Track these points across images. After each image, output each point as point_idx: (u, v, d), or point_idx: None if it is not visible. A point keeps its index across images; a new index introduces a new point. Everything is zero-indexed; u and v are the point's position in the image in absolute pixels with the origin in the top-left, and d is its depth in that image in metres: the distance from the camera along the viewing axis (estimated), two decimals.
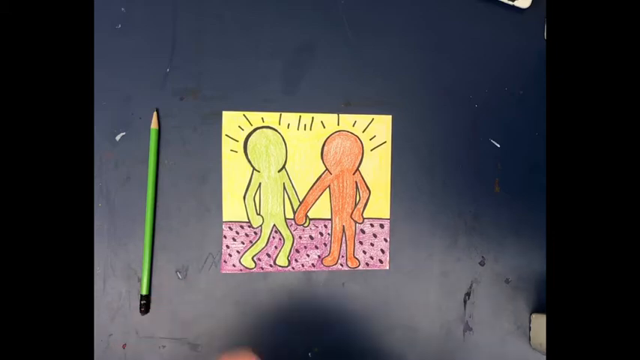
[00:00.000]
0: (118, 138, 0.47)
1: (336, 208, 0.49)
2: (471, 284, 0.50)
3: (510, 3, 0.50)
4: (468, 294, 0.50)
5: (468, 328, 0.50)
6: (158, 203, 0.47)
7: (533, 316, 0.50)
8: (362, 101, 0.49)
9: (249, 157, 0.48)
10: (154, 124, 0.46)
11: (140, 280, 0.46)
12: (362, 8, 0.49)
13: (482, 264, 0.50)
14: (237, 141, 0.48)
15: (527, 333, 0.50)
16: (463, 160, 0.50)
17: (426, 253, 0.49)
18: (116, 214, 0.46)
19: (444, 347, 0.49)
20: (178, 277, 0.47)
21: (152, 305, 0.47)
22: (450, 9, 0.50)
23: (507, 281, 0.50)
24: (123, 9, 0.47)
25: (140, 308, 0.46)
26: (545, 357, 0.49)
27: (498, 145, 0.50)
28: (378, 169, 0.49)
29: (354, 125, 0.49)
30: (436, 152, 0.50)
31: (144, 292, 0.46)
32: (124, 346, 0.46)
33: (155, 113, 0.47)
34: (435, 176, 0.50)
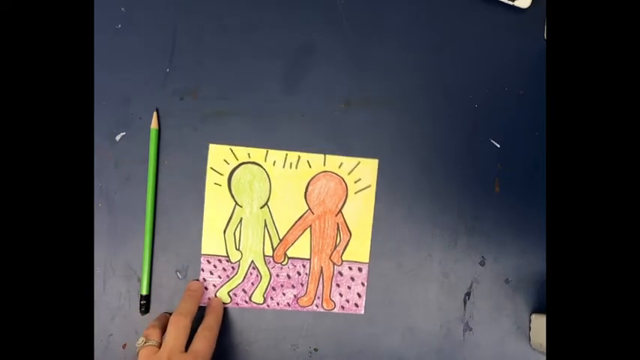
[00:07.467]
0: (118, 138, 0.47)
1: (316, 249, 0.48)
2: (471, 284, 0.50)
3: (510, 3, 0.50)
4: (467, 294, 0.50)
5: (468, 328, 0.50)
6: (158, 203, 0.47)
7: (533, 316, 0.50)
8: (362, 101, 0.49)
9: (233, 191, 0.47)
10: (153, 124, 0.46)
11: (140, 280, 0.46)
12: (362, 8, 0.49)
13: (482, 264, 0.50)
14: (222, 175, 0.47)
15: (527, 333, 0.50)
16: (463, 160, 0.50)
17: (426, 253, 0.49)
18: (116, 214, 0.46)
19: (444, 347, 0.49)
20: (178, 277, 0.47)
21: (152, 305, 0.47)
22: (449, 9, 0.50)
23: (507, 281, 0.50)
24: (123, 9, 0.47)
25: (140, 308, 0.46)
26: (545, 357, 0.49)
27: (498, 145, 0.50)
28: (360, 213, 0.48)
29: (339, 167, 0.48)
30: (436, 152, 0.50)
31: (144, 292, 0.46)
32: (124, 346, 0.46)
33: (155, 113, 0.47)
34: (435, 176, 0.50)
